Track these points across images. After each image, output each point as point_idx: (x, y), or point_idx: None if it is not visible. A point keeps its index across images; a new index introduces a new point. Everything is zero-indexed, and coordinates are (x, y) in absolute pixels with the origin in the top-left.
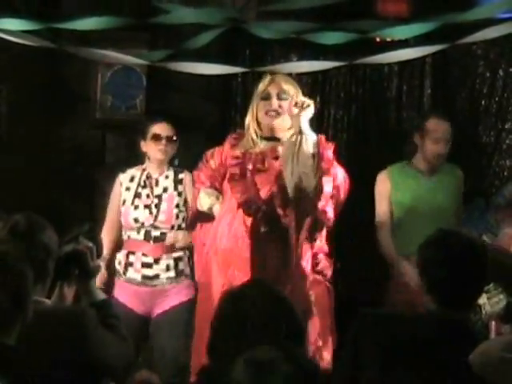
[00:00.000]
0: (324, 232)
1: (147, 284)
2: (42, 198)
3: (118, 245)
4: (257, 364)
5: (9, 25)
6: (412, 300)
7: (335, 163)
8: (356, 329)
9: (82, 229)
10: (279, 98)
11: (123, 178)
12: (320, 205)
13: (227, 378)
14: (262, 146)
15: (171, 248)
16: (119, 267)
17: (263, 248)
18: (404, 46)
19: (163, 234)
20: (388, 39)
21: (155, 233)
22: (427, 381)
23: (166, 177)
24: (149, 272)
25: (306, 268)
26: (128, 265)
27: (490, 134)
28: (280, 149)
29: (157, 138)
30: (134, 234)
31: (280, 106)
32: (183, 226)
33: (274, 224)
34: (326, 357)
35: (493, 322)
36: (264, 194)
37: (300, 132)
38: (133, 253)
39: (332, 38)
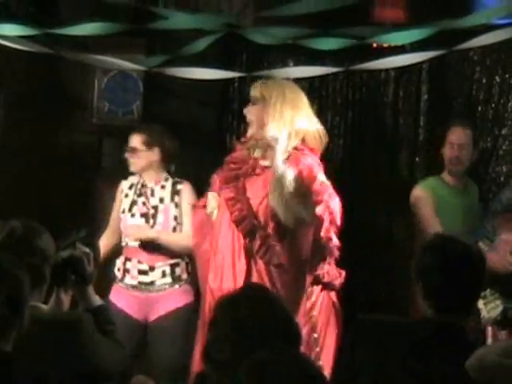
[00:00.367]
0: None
1: (143, 290)
2: (39, 203)
3: (116, 251)
4: (260, 367)
5: (6, 30)
6: None
7: (326, 188)
8: (353, 334)
9: (79, 234)
10: (253, 104)
11: (124, 185)
12: (323, 233)
13: (225, 382)
14: (256, 152)
15: (167, 255)
16: (118, 273)
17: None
18: (400, 52)
19: (158, 244)
20: (385, 45)
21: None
22: None
23: (163, 187)
24: (145, 279)
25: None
26: (125, 271)
27: (486, 139)
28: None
29: (127, 149)
30: (130, 241)
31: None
32: None
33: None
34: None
35: (489, 328)
36: (255, 205)
37: (277, 170)
38: (129, 259)
39: (328, 43)
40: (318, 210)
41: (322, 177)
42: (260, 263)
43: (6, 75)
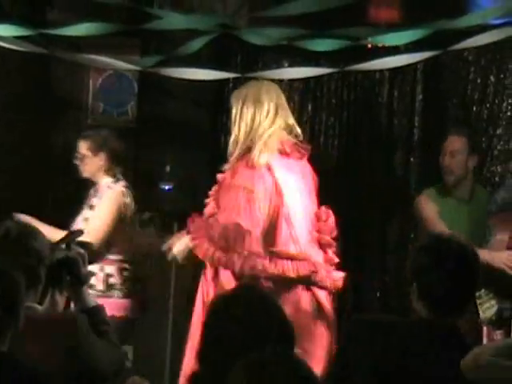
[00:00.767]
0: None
1: None
2: (33, 203)
3: None
4: (253, 367)
5: (0, 30)
6: None
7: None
8: (347, 333)
9: (74, 236)
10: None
11: None
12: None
13: (221, 381)
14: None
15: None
16: None
17: None
18: (395, 53)
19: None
20: (379, 45)
21: None
22: None
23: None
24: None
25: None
26: None
27: (481, 139)
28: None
29: (77, 156)
30: None
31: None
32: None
33: None
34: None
35: (484, 328)
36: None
37: None
38: None
39: (323, 44)
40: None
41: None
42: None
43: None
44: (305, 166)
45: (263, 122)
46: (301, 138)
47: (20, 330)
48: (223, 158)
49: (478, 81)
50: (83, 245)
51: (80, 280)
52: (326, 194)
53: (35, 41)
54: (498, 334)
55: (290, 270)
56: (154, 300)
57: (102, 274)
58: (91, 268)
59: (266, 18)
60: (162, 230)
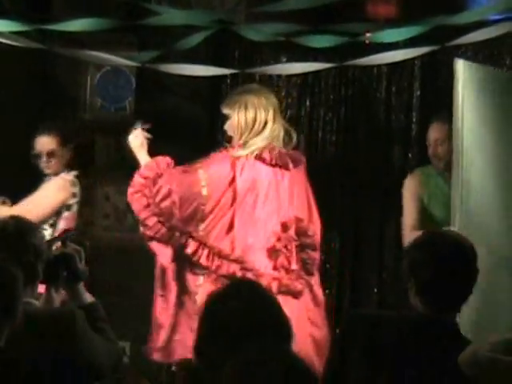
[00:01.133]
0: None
1: None
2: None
3: None
4: (249, 364)
5: None
6: None
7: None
8: (344, 329)
9: (69, 234)
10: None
11: None
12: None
13: (215, 377)
14: None
15: None
16: None
17: None
18: (393, 48)
19: None
20: (377, 42)
21: None
22: (415, 381)
23: None
24: None
25: None
26: None
27: None
28: None
29: (37, 156)
30: None
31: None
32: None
33: None
34: None
35: None
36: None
37: None
38: None
39: (321, 40)
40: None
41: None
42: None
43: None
44: (293, 176)
45: (261, 126)
46: (292, 146)
47: (17, 325)
48: None
49: None
50: (80, 242)
51: (77, 276)
52: (322, 190)
53: (33, 36)
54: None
55: (213, 266)
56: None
57: None
58: None
59: (264, 13)
60: None
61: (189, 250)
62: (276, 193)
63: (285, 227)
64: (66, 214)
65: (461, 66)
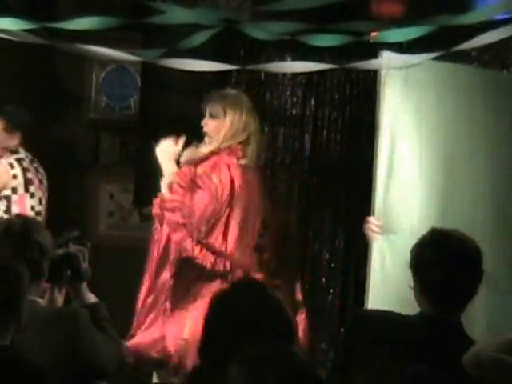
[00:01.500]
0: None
1: None
2: None
3: None
4: (252, 363)
5: (3, 24)
6: None
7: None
8: (349, 328)
9: (71, 236)
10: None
11: None
12: None
13: (220, 378)
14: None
15: None
16: None
17: None
18: (398, 49)
19: None
20: (382, 41)
21: None
22: (419, 381)
23: None
24: None
25: None
26: None
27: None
28: None
29: None
30: None
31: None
32: None
33: None
34: None
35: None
36: (200, 211)
37: None
38: None
39: (326, 39)
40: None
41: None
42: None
43: (1, 69)
44: (261, 177)
45: (248, 131)
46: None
47: (22, 323)
48: None
49: None
50: (82, 243)
51: (80, 276)
52: (326, 189)
53: (38, 33)
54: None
55: (208, 261)
56: None
57: None
58: None
59: (269, 12)
60: None
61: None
62: (257, 192)
63: (265, 225)
64: (14, 197)
65: (386, 57)
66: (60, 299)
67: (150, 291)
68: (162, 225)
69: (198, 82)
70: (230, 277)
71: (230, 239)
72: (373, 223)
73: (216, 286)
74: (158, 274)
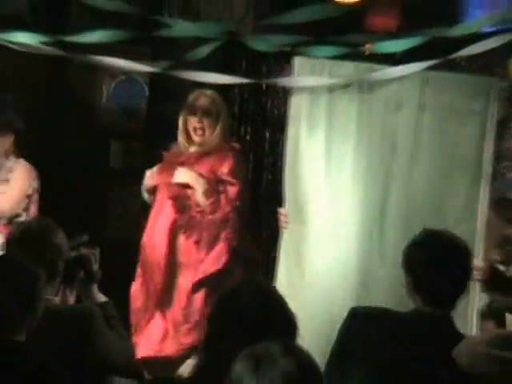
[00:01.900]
0: None
1: None
2: (49, 202)
3: None
4: (256, 358)
5: (21, 38)
6: None
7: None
8: (345, 323)
9: (82, 240)
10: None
11: None
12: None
13: (225, 372)
14: (192, 149)
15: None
16: None
17: None
18: (392, 60)
19: None
20: (377, 53)
21: None
22: (413, 374)
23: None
24: None
25: None
26: None
27: None
28: None
29: None
30: None
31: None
32: None
33: None
34: None
35: (475, 318)
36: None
37: None
38: None
39: (323, 51)
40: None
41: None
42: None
43: (19, 80)
44: None
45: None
46: None
47: (38, 320)
48: None
49: None
50: (92, 246)
51: (92, 277)
52: None
53: (53, 46)
54: (488, 325)
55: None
56: None
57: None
58: None
59: (270, 25)
60: None
61: None
62: None
63: None
64: (35, 197)
65: (298, 62)
66: (71, 299)
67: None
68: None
69: (200, 87)
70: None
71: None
72: (282, 215)
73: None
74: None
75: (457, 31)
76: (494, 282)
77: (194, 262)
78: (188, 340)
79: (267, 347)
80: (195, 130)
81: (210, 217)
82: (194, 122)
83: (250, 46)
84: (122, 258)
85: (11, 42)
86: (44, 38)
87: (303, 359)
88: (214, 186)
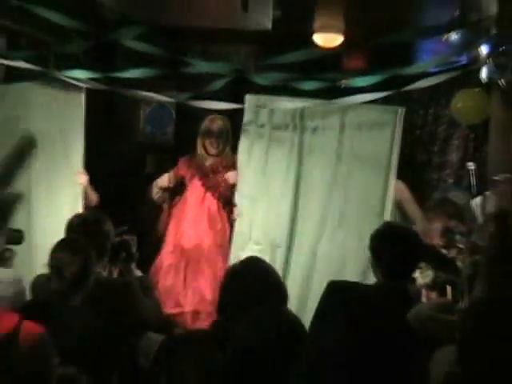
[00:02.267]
0: None
1: None
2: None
3: None
4: (258, 322)
5: (76, 74)
6: None
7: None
8: (324, 294)
9: (123, 229)
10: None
11: None
12: None
13: (233, 333)
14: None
15: None
16: None
17: None
18: (361, 91)
19: None
20: (350, 86)
21: None
22: (377, 332)
23: None
24: None
25: None
26: None
27: (426, 153)
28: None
29: None
30: None
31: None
32: None
33: None
34: None
35: (423, 290)
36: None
37: None
38: None
39: (308, 85)
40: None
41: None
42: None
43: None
44: None
45: None
46: None
47: (90, 288)
48: None
49: (421, 112)
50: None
51: (131, 257)
52: None
53: (101, 82)
54: (433, 295)
55: None
56: None
57: None
58: None
59: (268, 65)
60: None
61: None
62: None
63: None
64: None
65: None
66: (115, 274)
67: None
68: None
69: (213, 113)
70: None
71: None
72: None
73: None
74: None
75: (410, 70)
76: (437, 262)
77: (226, 243)
78: (209, 308)
79: (265, 311)
80: (212, 145)
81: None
82: (209, 140)
83: (252, 81)
84: (153, 243)
85: (70, 78)
86: (96, 74)
87: (291, 320)
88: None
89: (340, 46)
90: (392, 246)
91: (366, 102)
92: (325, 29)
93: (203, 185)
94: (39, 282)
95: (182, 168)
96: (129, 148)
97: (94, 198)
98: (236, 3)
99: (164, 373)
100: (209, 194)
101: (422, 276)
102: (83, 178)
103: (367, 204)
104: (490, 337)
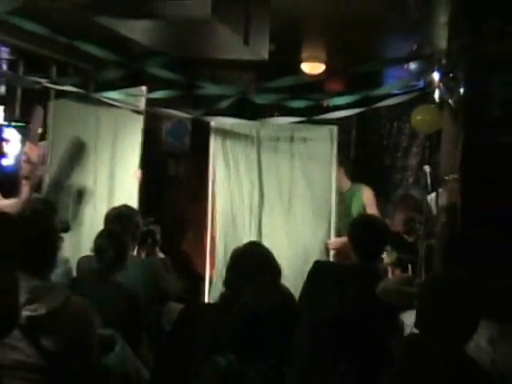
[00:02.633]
0: None
1: None
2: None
3: None
4: (258, 292)
5: (111, 95)
6: None
7: None
8: (311, 271)
9: (149, 220)
10: None
11: None
12: None
13: (238, 301)
14: None
15: None
16: None
17: None
18: (339, 109)
19: None
20: (330, 105)
21: None
22: (355, 301)
23: None
24: None
25: None
26: None
27: (391, 158)
28: None
29: None
30: None
31: None
32: None
33: None
34: None
35: (389, 268)
36: None
37: None
38: None
39: (298, 103)
40: None
41: None
42: None
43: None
44: None
45: None
46: None
47: (124, 268)
48: None
49: (387, 125)
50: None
51: (156, 243)
52: None
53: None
54: (397, 272)
55: None
56: None
57: None
58: None
59: (266, 87)
60: None
61: None
62: None
63: None
64: None
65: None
66: (143, 255)
67: None
68: None
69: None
70: None
71: None
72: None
73: None
74: None
75: (379, 92)
76: (401, 245)
77: None
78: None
79: (263, 284)
80: None
81: None
82: None
83: (253, 100)
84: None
85: (107, 98)
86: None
87: (285, 292)
88: None
89: (323, 72)
90: (366, 233)
91: (308, 122)
92: (310, 59)
93: None
94: (82, 262)
95: None
96: (155, 155)
97: None
98: (239, 38)
99: (183, 334)
100: None
101: (389, 257)
102: (139, 174)
103: (314, 193)
104: (440, 303)
